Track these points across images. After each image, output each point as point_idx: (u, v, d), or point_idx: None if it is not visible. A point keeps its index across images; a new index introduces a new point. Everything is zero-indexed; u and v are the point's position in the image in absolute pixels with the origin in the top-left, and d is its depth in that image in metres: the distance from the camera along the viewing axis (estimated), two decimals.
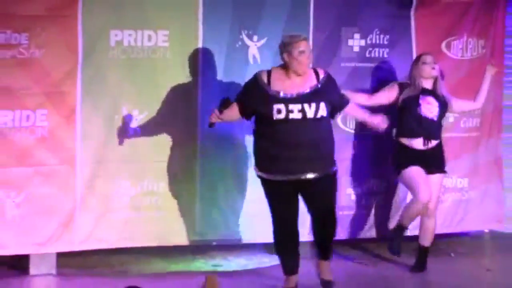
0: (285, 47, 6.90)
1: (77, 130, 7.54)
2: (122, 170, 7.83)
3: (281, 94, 6.82)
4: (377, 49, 8.50)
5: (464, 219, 8.58)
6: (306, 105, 6.80)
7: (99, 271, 7.70)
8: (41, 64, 7.37)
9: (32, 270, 7.52)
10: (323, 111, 6.85)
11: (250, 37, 8.09)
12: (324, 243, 7.22)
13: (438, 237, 8.04)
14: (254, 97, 6.92)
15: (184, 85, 7.97)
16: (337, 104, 7.06)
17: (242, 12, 8.04)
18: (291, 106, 6.79)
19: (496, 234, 9.05)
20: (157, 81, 7.87)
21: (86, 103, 7.57)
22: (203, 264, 8.08)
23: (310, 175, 6.89)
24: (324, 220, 7.13)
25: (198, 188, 8.06)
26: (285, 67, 6.91)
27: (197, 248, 8.24)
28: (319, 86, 6.91)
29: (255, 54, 8.13)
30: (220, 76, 8.05)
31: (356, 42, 8.44)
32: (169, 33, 7.84)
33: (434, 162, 7.80)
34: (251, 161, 7.86)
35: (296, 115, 6.80)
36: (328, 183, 7.09)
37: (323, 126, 6.95)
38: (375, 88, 8.43)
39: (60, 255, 7.56)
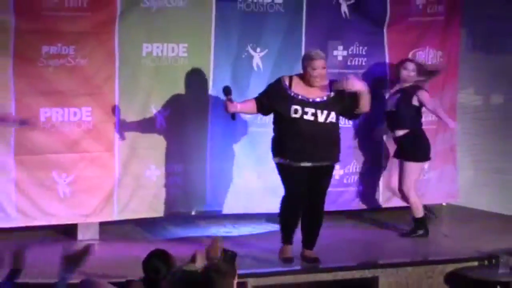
0: (305, 61, 6.89)
1: (115, 124, 7.64)
2: (150, 155, 7.83)
3: (299, 97, 6.79)
4: (356, 58, 8.49)
5: (425, 194, 8.52)
6: (318, 111, 6.77)
7: (132, 236, 7.75)
8: (86, 71, 7.46)
9: (79, 236, 7.59)
10: (332, 118, 6.82)
11: (254, 49, 8.09)
12: (314, 230, 7.06)
13: (407, 208, 8.07)
14: (276, 96, 6.88)
15: (199, 88, 7.99)
16: (348, 105, 6.92)
17: (247, 29, 8.04)
18: (306, 109, 6.76)
19: (451, 207, 9.07)
20: (178, 84, 7.89)
21: (123, 101, 7.65)
22: (215, 231, 8.04)
23: (319, 163, 6.85)
24: (316, 207, 7.03)
25: (208, 168, 8.04)
26: (304, 76, 6.88)
27: (210, 217, 8.26)
28: (331, 96, 6.85)
29: (258, 63, 8.13)
30: (229, 80, 7.92)
31: (339, 53, 8.40)
32: (188, 46, 7.84)
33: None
34: (251, 146, 8.12)
35: (309, 116, 6.76)
36: (329, 174, 7.09)
37: (331, 127, 6.89)
38: None
39: (102, 224, 7.65)
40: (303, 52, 8.11)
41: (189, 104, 7.98)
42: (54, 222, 7.57)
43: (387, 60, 8.58)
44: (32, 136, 7.40)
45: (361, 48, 8.51)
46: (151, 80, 7.79)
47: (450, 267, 7.10)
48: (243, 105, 7.01)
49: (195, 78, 7.96)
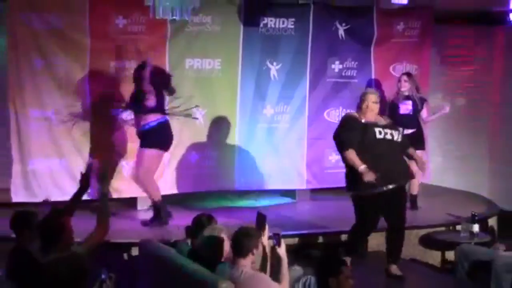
0: (361, 97, 6.10)
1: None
2: (192, 144, 7.81)
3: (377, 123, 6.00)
4: (349, 71, 8.42)
5: None
6: (393, 131, 5.99)
7: (179, 205, 7.55)
8: None
9: (139, 207, 7.68)
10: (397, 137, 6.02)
11: (271, 63, 8.06)
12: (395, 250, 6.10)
13: None
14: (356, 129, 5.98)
15: (229, 93, 7.97)
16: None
17: (267, 48, 8.00)
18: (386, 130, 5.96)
19: (425, 185, 8.63)
20: (213, 90, 7.88)
21: (171, 103, 7.38)
22: (242, 203, 8.03)
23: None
24: (397, 231, 6.06)
25: (236, 154, 8.00)
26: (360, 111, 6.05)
27: (237, 193, 8.21)
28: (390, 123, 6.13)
29: (274, 74, 8.09)
30: (252, 87, 8.01)
31: (336, 66, 8.36)
32: (221, 61, 7.83)
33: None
34: (269, 137, 8.05)
35: (388, 136, 5.95)
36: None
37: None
38: (346, 93, 8.37)
39: None
40: (308, 66, 8.19)
41: (221, 105, 7.96)
42: (122, 195, 7.54)
43: (372, 72, 8.50)
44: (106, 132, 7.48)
45: (353, 62, 8.45)
46: (192, 87, 7.74)
47: (423, 232, 7.06)
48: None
49: (226, 85, 7.95)
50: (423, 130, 7.99)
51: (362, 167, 5.74)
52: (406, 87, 7.82)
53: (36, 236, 4.60)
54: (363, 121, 5.99)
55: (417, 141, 7.51)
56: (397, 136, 6.00)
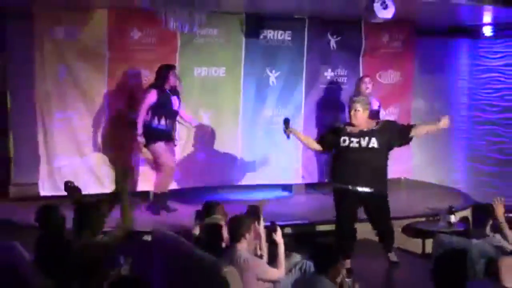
0: (349, 104, 5.98)
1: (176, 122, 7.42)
2: (200, 143, 7.78)
3: (347, 131, 5.87)
4: (340, 77, 8.43)
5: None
6: (361, 138, 5.80)
7: (186, 198, 7.43)
8: None
9: (151, 199, 7.41)
10: (373, 143, 5.79)
11: (270, 71, 8.07)
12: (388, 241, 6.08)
13: None
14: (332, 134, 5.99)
15: (233, 97, 7.97)
16: (397, 138, 5.93)
17: (266, 57, 8.01)
18: (352, 138, 5.82)
19: (407, 180, 8.90)
20: (218, 95, 7.88)
21: (181, 107, 7.36)
22: (246, 196, 7.71)
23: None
24: (383, 231, 6.03)
25: (238, 152, 7.99)
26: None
27: (240, 186, 8.05)
28: (375, 128, 5.87)
29: (273, 80, 8.11)
30: (253, 92, 8.04)
31: (328, 73, 8.37)
32: (225, 69, 7.85)
33: None
34: (269, 138, 7.95)
35: (354, 144, 5.82)
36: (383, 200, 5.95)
37: (375, 155, 5.80)
38: (337, 97, 8.38)
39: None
40: (304, 74, 8.20)
41: (226, 108, 7.97)
42: (136, 189, 7.42)
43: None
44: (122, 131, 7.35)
45: (343, 70, 8.46)
46: (200, 92, 7.78)
47: (405, 222, 7.05)
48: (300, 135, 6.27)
49: (230, 90, 7.96)
50: None
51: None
52: (370, 89, 7.81)
53: (60, 226, 4.67)
54: (345, 126, 5.93)
55: None
56: (366, 143, 5.78)
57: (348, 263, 5.73)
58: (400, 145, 6.03)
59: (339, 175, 5.91)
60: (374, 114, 7.58)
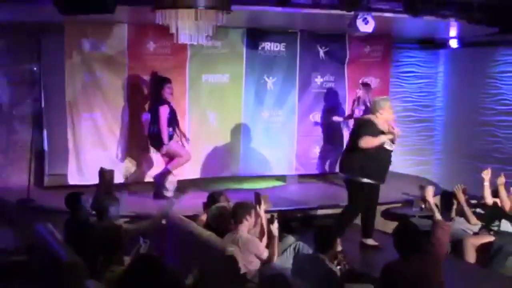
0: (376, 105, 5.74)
1: (186, 123, 7.51)
2: (207, 140, 7.71)
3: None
4: (328, 83, 8.37)
5: None
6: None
7: (196, 187, 7.30)
8: None
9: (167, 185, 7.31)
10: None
11: (268, 77, 8.03)
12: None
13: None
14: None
15: (236, 100, 7.90)
16: None
17: (264, 65, 7.96)
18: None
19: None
20: (223, 98, 7.81)
21: (191, 109, 7.61)
22: (246, 186, 7.78)
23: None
24: (372, 218, 5.97)
25: (241, 146, 7.88)
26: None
27: (241, 177, 7.98)
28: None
29: (270, 86, 8.07)
30: (253, 96, 7.96)
31: (318, 79, 8.31)
32: (229, 76, 7.80)
33: None
34: (268, 133, 7.90)
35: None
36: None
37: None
38: (325, 100, 8.31)
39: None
40: (297, 80, 8.16)
41: (229, 109, 7.91)
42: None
43: (346, 84, 8.44)
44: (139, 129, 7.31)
45: (331, 77, 8.41)
46: (207, 96, 7.74)
47: (384, 207, 6.98)
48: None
49: (233, 94, 7.91)
50: None
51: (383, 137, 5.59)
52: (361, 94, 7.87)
53: (85, 210, 4.70)
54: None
55: None
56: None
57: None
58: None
59: (373, 172, 5.71)
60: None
